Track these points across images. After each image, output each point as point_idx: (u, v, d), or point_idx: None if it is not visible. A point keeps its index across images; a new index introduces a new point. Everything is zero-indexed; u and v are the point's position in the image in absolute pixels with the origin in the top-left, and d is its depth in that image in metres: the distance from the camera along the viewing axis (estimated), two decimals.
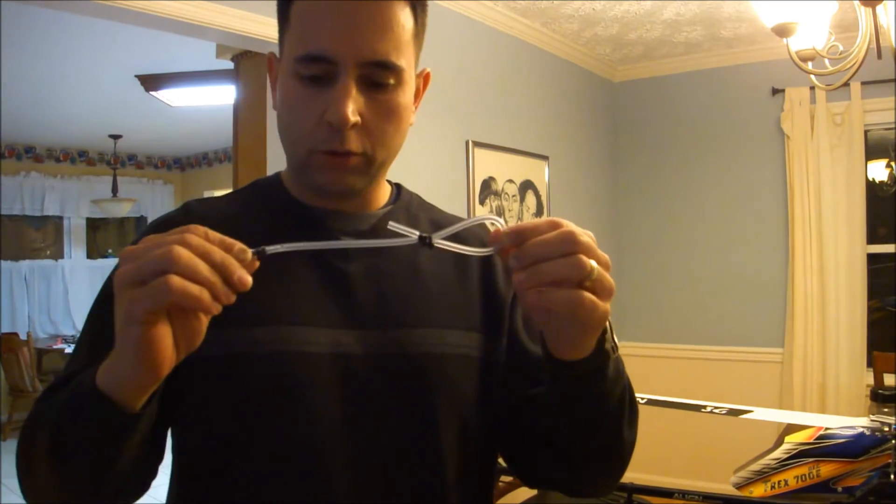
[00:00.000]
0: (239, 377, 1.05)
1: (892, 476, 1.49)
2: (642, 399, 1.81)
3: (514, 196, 4.54)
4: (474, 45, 4.24)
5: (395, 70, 1.09)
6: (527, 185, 4.69)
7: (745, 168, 5.45)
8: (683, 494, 1.99)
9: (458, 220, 1.17)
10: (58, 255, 9.41)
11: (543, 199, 4.87)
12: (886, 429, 1.72)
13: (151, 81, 5.03)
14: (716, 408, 2.13)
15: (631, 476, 1.52)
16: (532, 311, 0.92)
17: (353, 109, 1.05)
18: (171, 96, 5.40)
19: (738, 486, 2.01)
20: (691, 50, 5.36)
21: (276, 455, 1.05)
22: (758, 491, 1.96)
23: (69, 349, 8.07)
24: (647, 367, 5.66)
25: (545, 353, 1.00)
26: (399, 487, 1.11)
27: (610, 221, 5.81)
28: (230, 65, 3.91)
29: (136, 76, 5.06)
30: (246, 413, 1.06)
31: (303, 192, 1.19)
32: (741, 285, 5.45)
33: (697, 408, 2.11)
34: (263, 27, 3.01)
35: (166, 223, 1.12)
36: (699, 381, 5.41)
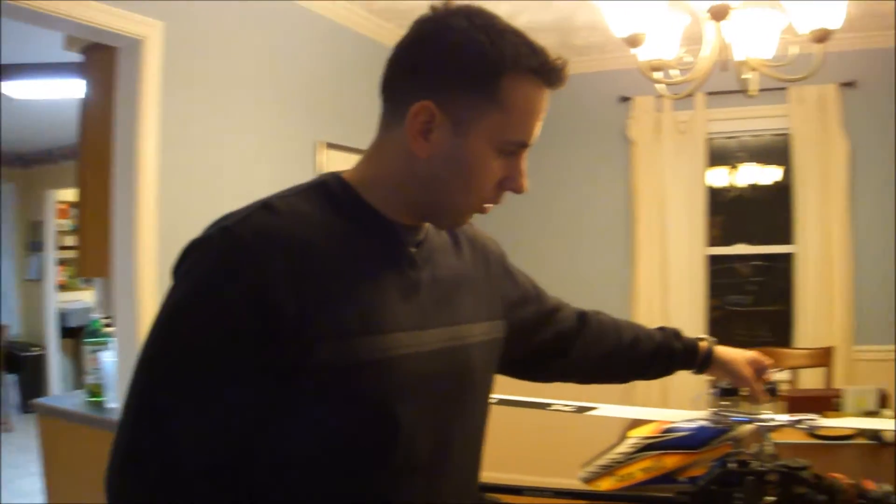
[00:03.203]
0: (357, 383, 1.17)
1: (732, 465, 1.57)
2: (493, 399, 1.85)
3: None
4: (326, 44, 4.21)
5: None
6: None
7: (593, 172, 5.59)
8: (534, 491, 2.03)
9: None
10: None
11: None
12: (726, 421, 1.80)
13: None
14: (563, 405, 2.18)
15: (482, 475, 1.57)
16: None
17: None
18: (13, 88, 5.18)
19: (587, 481, 2.07)
20: None
21: (391, 438, 1.21)
22: (606, 484, 2.02)
23: None
24: None
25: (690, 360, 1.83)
26: (464, 453, 1.39)
27: None
28: (78, 57, 3.78)
29: None
30: (367, 411, 1.20)
31: (387, 207, 1.29)
32: (587, 286, 5.56)
33: (544, 405, 2.16)
34: (117, 19, 2.93)
35: (260, 223, 1.17)
36: None
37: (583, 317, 1.81)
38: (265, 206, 1.20)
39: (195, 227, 1.23)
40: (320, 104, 4.13)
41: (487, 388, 1.46)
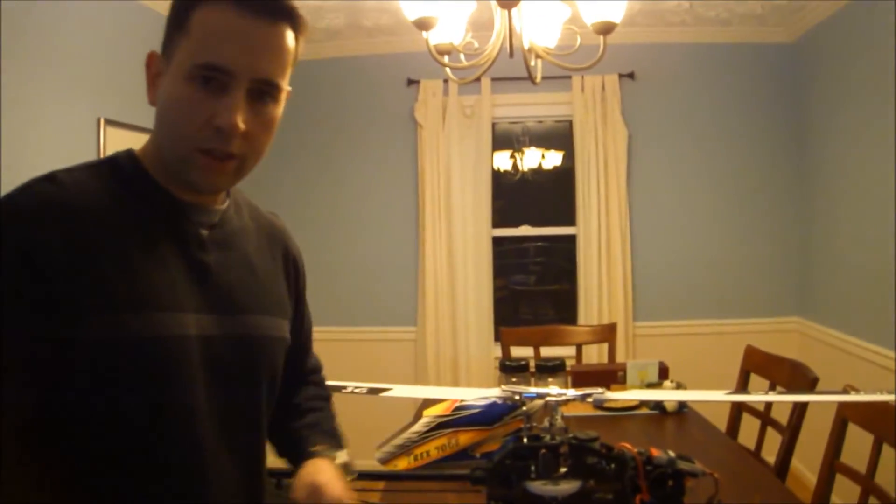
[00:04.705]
0: (128, 357, 1.16)
1: (525, 439, 1.61)
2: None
3: None
4: (113, 17, 3.99)
5: (277, 88, 1.28)
6: None
7: (380, 155, 5.61)
8: None
9: (266, 211, 1.59)
10: None
11: None
12: (517, 397, 1.84)
13: None
14: (356, 387, 2.19)
15: (277, 461, 1.55)
16: None
17: (242, 118, 1.22)
18: None
19: (384, 461, 2.08)
20: (332, 37, 5.42)
21: (163, 417, 1.21)
22: (402, 464, 2.03)
23: None
24: None
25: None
26: (244, 439, 1.37)
27: None
28: None
29: None
30: (137, 386, 1.18)
31: (169, 180, 1.29)
32: (376, 267, 5.60)
33: (338, 389, 2.15)
34: None
35: (37, 193, 1.17)
36: (339, 362, 5.47)
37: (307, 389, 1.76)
38: (48, 178, 1.21)
39: None
40: (101, 80, 3.92)
41: (274, 384, 1.46)
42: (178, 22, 1.23)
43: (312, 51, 5.61)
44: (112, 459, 1.18)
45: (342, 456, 1.56)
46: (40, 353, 1.11)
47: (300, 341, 1.64)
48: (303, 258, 1.64)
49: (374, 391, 2.20)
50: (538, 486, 1.50)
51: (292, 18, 1.27)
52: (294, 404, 1.66)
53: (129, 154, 1.32)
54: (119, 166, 1.30)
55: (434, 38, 3.04)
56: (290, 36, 1.27)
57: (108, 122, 3.92)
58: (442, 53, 3.11)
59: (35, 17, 3.41)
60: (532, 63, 3.07)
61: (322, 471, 1.45)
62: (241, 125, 1.22)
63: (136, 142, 3.86)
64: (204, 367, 1.27)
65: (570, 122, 5.33)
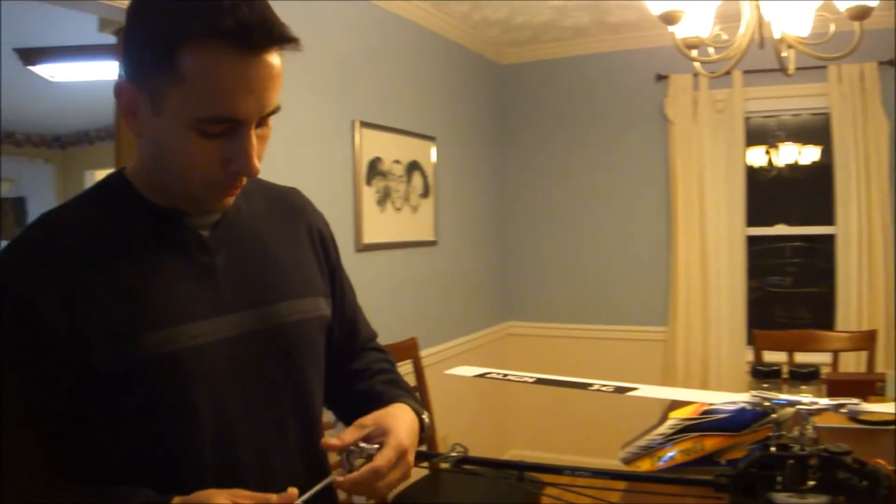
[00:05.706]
0: (141, 381, 1.16)
1: (773, 448, 1.55)
2: (531, 378, 1.83)
3: (400, 177, 4.54)
4: (361, 25, 4.19)
5: (277, 111, 1.23)
6: (413, 166, 4.68)
7: (630, 152, 5.56)
8: (573, 471, 2.02)
9: (281, 187, 1.55)
10: None
11: (430, 180, 4.87)
12: (767, 404, 1.77)
13: (31, 55, 4.84)
14: (603, 385, 2.16)
15: (521, 454, 1.56)
16: None
17: (256, 156, 1.19)
18: (51, 71, 5.20)
19: (627, 462, 2.05)
20: (578, 34, 5.44)
21: (195, 434, 1.21)
22: (645, 465, 2.00)
23: None
24: (535, 345, 5.75)
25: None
26: (290, 439, 1.36)
27: (497, 202, 5.85)
28: (113, 39, 3.80)
29: (15, 49, 4.87)
30: (158, 407, 1.18)
31: (158, 195, 1.26)
32: (626, 266, 5.58)
33: (584, 386, 2.13)
34: None
35: (28, 246, 1.19)
36: (586, 359, 5.51)
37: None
38: (40, 223, 1.22)
39: None
40: (355, 84, 4.12)
41: (318, 365, 1.45)
42: (161, 60, 1.11)
43: (560, 49, 5.64)
44: (147, 477, 1.18)
45: (425, 416, 1.45)
46: (59, 392, 1.14)
47: (344, 315, 1.59)
48: (330, 229, 1.59)
49: (620, 390, 2.17)
50: (784, 499, 1.44)
51: (282, 41, 1.18)
52: (357, 370, 1.58)
53: (118, 175, 1.30)
54: (109, 190, 1.28)
55: (681, 32, 2.98)
56: (278, 57, 1.19)
57: (363, 125, 4.12)
58: (690, 47, 3.05)
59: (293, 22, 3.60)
60: (784, 54, 2.95)
61: (402, 419, 1.35)
62: (258, 164, 1.20)
63: (387, 142, 4.00)
64: (233, 370, 1.26)
65: (827, 115, 5.03)
